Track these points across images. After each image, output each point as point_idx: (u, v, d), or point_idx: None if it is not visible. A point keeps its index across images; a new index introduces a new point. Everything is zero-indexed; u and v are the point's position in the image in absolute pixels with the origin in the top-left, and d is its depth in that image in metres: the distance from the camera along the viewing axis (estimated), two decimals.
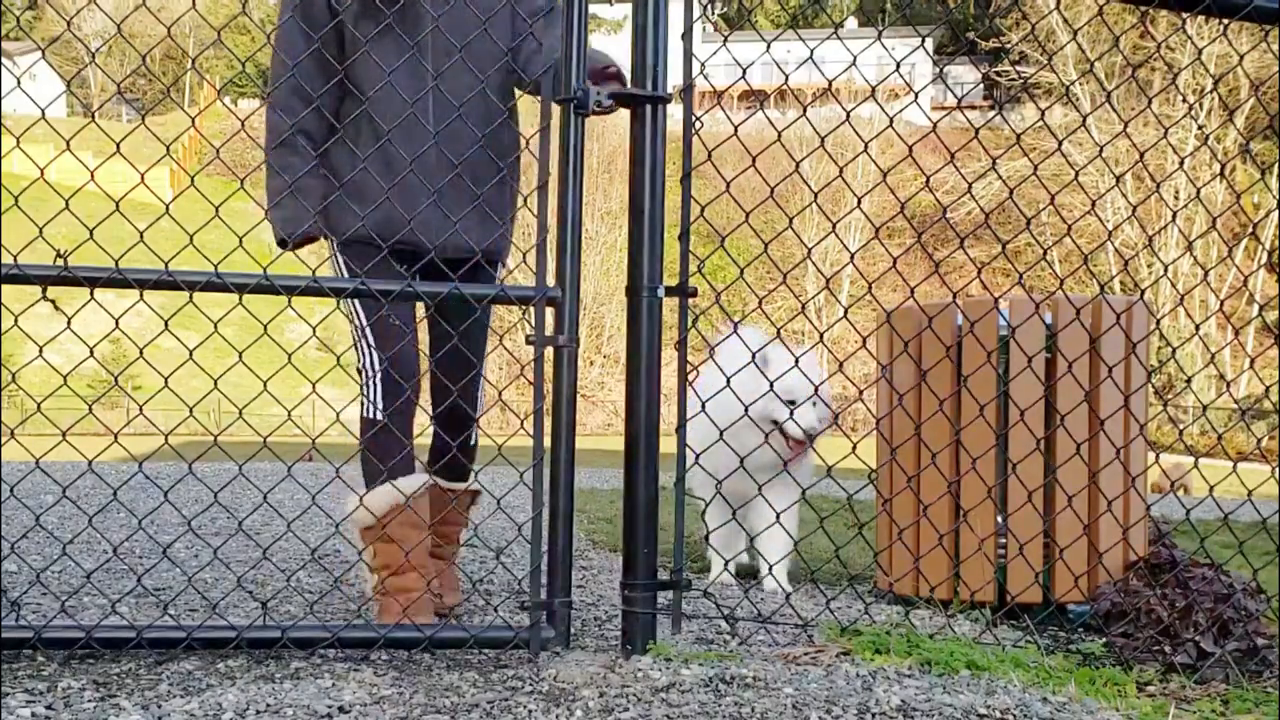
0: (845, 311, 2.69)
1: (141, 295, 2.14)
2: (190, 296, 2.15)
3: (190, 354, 2.29)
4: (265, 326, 2.13)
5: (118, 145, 2.16)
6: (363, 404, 2.65)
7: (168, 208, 2.15)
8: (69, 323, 2.14)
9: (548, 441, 2.38)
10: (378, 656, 2.34)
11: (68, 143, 2.10)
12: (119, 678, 2.09)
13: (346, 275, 2.61)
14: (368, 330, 2.62)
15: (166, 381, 2.10)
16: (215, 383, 2.19)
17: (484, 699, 1.99)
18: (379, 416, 2.61)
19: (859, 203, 2.88)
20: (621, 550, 2.48)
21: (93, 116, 2.56)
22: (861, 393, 2.81)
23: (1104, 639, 2.75)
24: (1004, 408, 3.17)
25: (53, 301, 2.10)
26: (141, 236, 2.23)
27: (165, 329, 2.15)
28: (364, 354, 2.64)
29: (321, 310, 2.65)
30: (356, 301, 2.58)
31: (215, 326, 2.13)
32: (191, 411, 2.18)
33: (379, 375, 2.62)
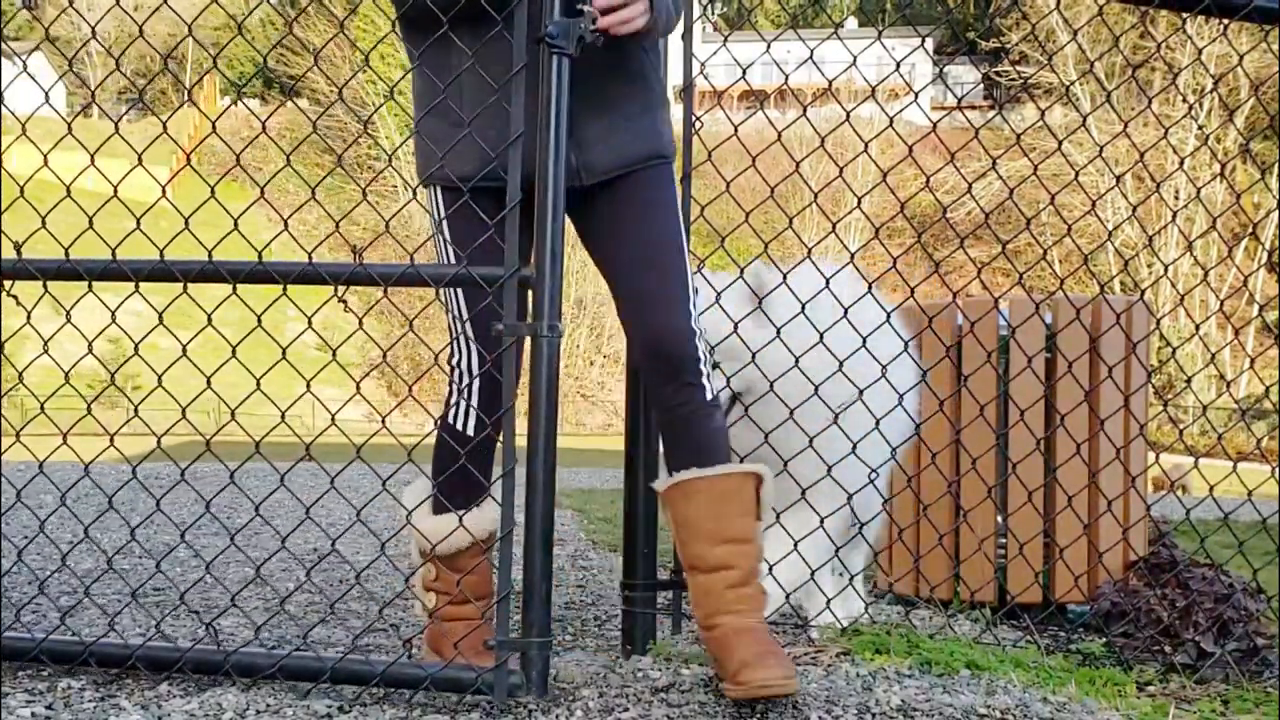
0: (845, 311, 2.69)
1: (137, 287, 2.10)
2: (184, 287, 2.10)
3: (184, 350, 2.23)
4: (259, 318, 2.09)
5: (111, 135, 2.16)
6: (449, 408, 2.23)
7: (165, 191, 2.14)
8: (68, 316, 2.13)
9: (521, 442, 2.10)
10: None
11: (70, 129, 2.10)
12: (119, 678, 2.09)
13: (442, 227, 2.21)
14: (468, 324, 2.17)
15: (160, 380, 2.06)
16: (209, 381, 2.14)
17: (484, 699, 1.99)
18: (470, 432, 2.17)
19: (859, 203, 2.88)
20: (621, 550, 2.48)
21: (79, 113, 2.55)
22: (862, 392, 2.81)
23: (1104, 639, 2.75)
24: (1004, 408, 3.17)
25: (53, 296, 2.09)
26: (139, 223, 2.14)
27: (160, 323, 2.12)
28: (460, 350, 2.21)
29: (323, 307, 2.59)
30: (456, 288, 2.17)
31: (210, 320, 2.12)
32: (184, 414, 2.16)
33: (477, 381, 2.18)
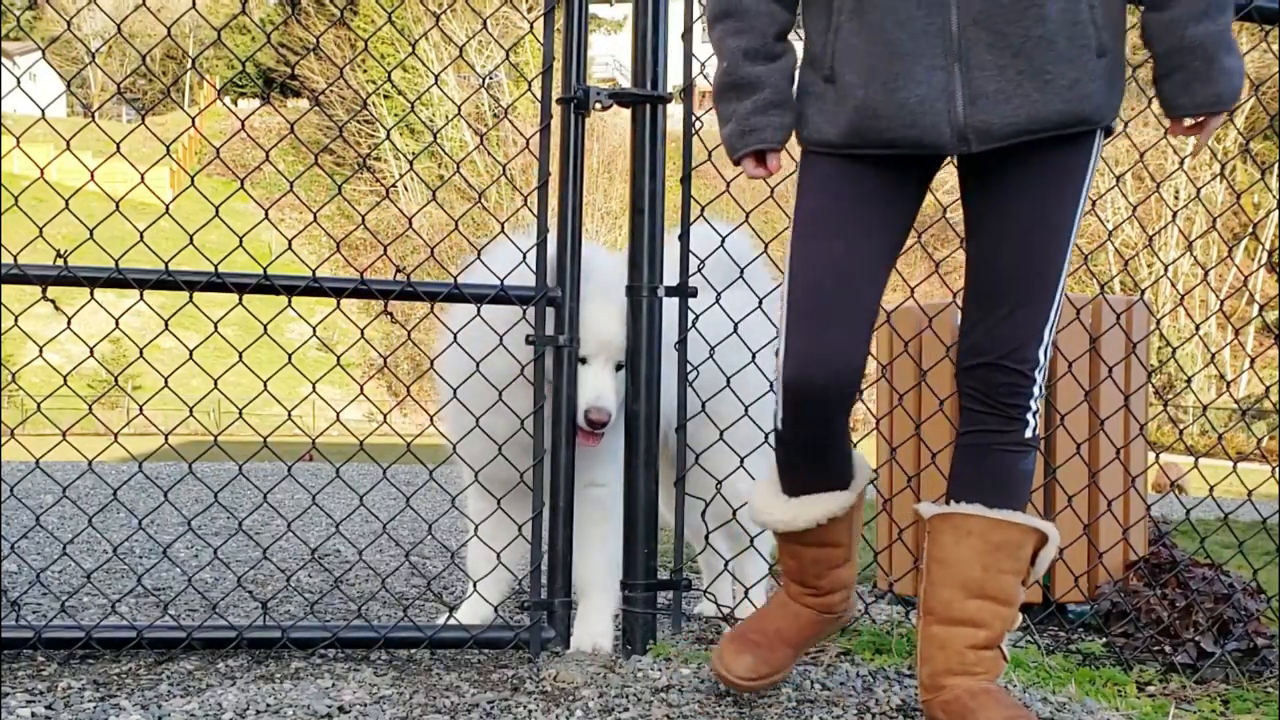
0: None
1: (142, 295, 2.15)
2: (190, 297, 2.16)
3: (190, 354, 2.29)
4: (265, 326, 2.13)
5: (118, 145, 2.16)
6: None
7: (167, 208, 2.15)
8: (69, 323, 2.14)
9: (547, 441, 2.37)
10: (378, 656, 2.34)
11: (68, 142, 2.10)
12: (119, 678, 2.10)
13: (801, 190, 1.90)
14: (794, 276, 1.87)
15: (166, 381, 2.10)
16: (215, 383, 2.20)
17: (484, 699, 1.99)
18: (779, 426, 1.93)
19: None
20: (621, 550, 2.48)
21: (93, 117, 2.56)
22: (861, 393, 2.82)
23: (1104, 639, 2.75)
24: None
25: (53, 301, 2.10)
26: (141, 236, 2.24)
27: (165, 329, 2.15)
28: (782, 317, 1.89)
29: (321, 310, 2.61)
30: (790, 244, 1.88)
31: (215, 327, 2.13)
32: (191, 411, 2.19)
33: (783, 364, 1.87)
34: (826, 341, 1.83)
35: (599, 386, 2.35)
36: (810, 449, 1.95)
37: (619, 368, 2.40)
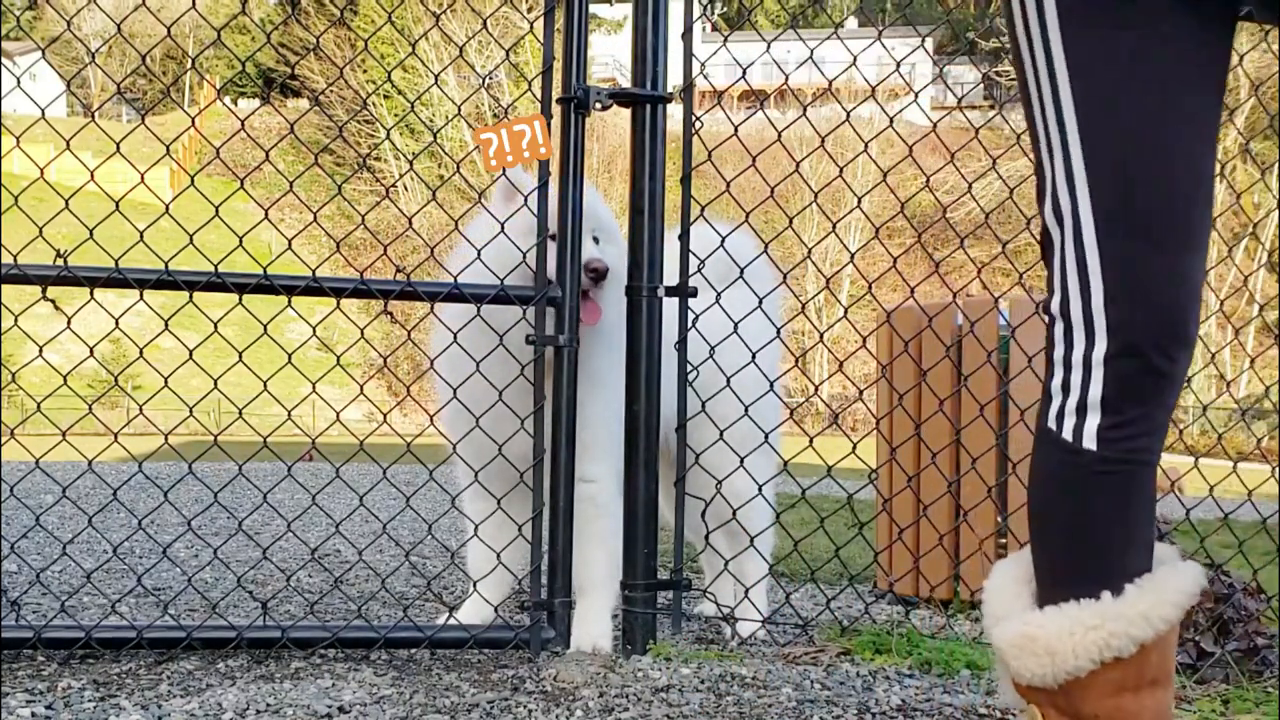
0: (845, 311, 2.70)
1: (141, 295, 2.16)
2: (190, 296, 2.16)
3: (190, 354, 2.29)
4: (265, 326, 2.13)
5: (118, 145, 2.16)
6: (1050, 397, 1.27)
7: (167, 208, 2.15)
8: (69, 323, 2.15)
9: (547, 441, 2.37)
10: (378, 656, 2.34)
11: (68, 143, 2.10)
12: (119, 678, 2.09)
13: (1051, 52, 1.22)
14: (1103, 171, 1.20)
15: (166, 381, 2.10)
16: (215, 383, 2.20)
17: (484, 699, 1.99)
18: (1086, 442, 1.23)
19: (859, 203, 2.88)
20: (620, 549, 2.48)
21: (93, 117, 2.56)
22: (862, 393, 2.82)
23: None
24: (1004, 408, 3.17)
25: (53, 301, 2.11)
26: (141, 236, 2.24)
27: (165, 329, 2.15)
28: (1068, 268, 1.24)
29: (321, 310, 2.62)
30: (1068, 105, 1.20)
31: (215, 327, 2.13)
32: (191, 412, 2.19)
33: (1102, 327, 1.22)
34: (1186, 274, 1.20)
35: (586, 248, 2.40)
36: (1139, 467, 1.25)
37: (595, 241, 2.46)
